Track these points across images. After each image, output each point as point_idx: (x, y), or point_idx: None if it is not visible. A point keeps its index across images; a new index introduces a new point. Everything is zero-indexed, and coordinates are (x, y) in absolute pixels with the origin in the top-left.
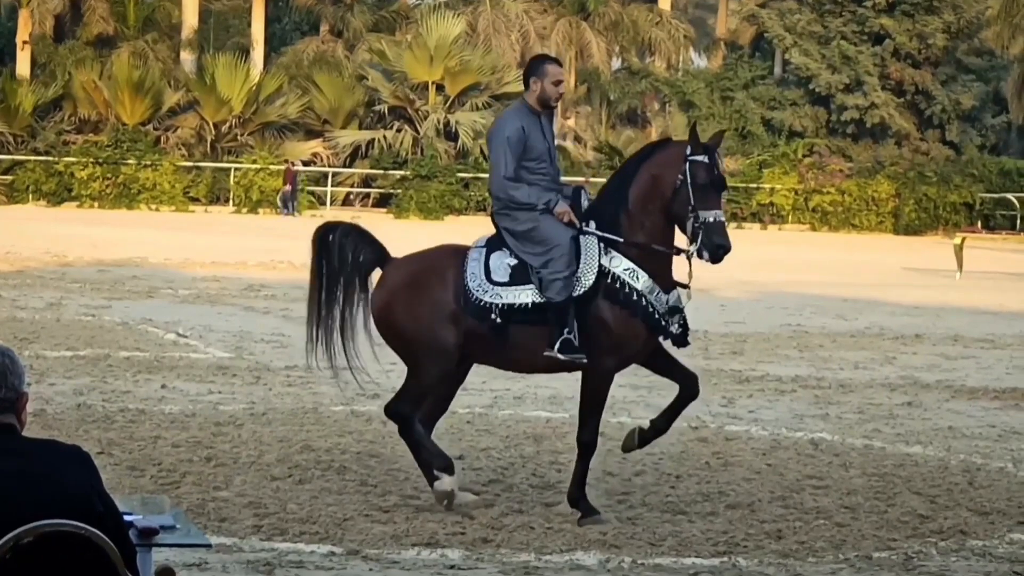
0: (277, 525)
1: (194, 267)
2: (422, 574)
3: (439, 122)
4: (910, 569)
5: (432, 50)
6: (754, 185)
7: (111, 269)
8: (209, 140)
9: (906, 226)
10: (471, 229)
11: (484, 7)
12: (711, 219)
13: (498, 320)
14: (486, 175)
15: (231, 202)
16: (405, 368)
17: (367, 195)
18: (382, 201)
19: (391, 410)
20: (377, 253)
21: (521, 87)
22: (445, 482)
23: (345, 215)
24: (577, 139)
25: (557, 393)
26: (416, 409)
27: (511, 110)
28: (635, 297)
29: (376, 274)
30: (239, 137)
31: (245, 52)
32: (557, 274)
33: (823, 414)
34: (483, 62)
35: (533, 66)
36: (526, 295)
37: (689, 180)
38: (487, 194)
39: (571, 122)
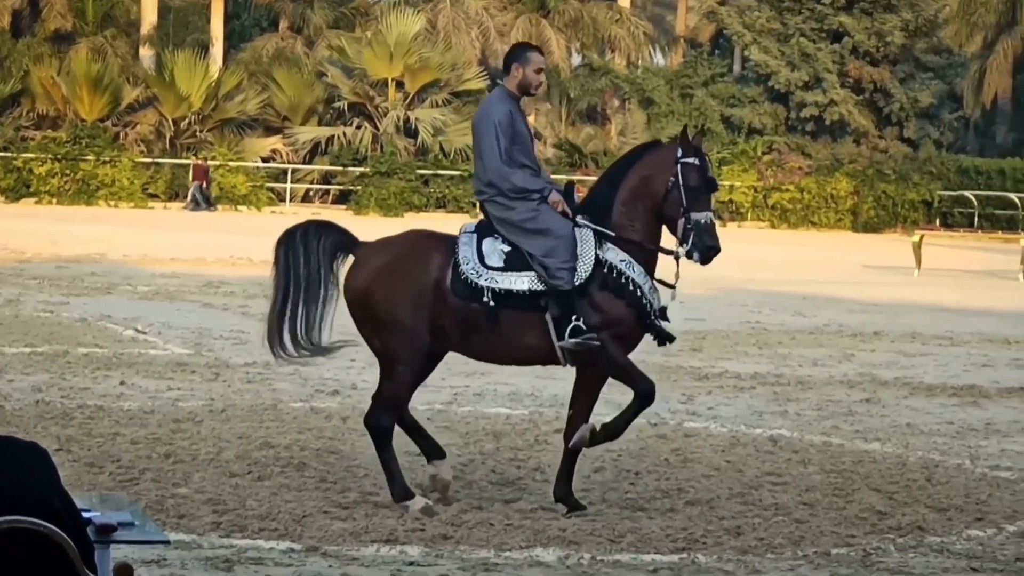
0: (236, 522)
1: (153, 263)
2: (381, 571)
3: (399, 119)
4: (868, 565)
5: (392, 47)
6: None
7: (70, 265)
8: (168, 136)
9: (865, 223)
10: (431, 226)
11: (444, 4)
12: (702, 220)
13: (491, 303)
14: (445, 172)
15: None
16: (364, 365)
17: (326, 192)
18: (342, 198)
19: (370, 423)
20: (344, 237)
21: (481, 84)
22: (417, 503)
23: (305, 211)
24: (537, 136)
25: (517, 390)
26: (395, 415)
27: (494, 96)
28: (631, 287)
29: (347, 260)
30: (198, 133)
31: (204, 48)
32: (563, 263)
33: (782, 411)
34: (443, 59)
35: (516, 53)
36: (523, 281)
37: (681, 182)
38: (446, 191)
39: (531, 119)
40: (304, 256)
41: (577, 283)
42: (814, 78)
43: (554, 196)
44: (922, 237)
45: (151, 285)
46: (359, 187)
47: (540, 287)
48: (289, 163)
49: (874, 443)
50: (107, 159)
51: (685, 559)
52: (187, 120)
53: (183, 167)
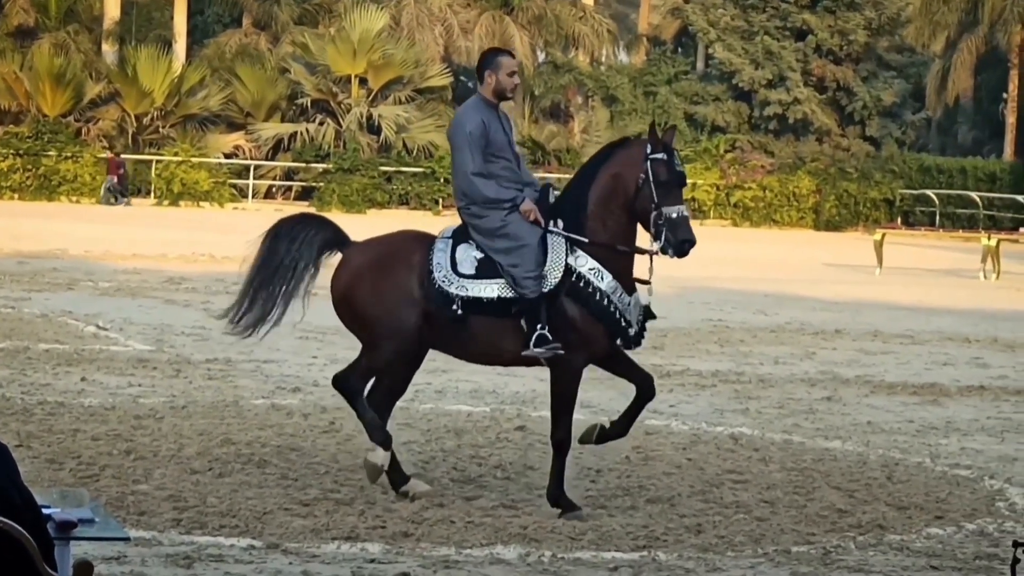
0: (196, 519)
1: (115, 259)
2: (342, 568)
3: (362, 116)
4: (828, 563)
5: (355, 44)
6: None
7: (31, 261)
8: (131, 132)
9: (827, 222)
10: (393, 223)
11: (408, 1)
12: (674, 215)
13: (459, 312)
14: (408, 168)
15: (152, 195)
16: (325, 363)
17: (289, 188)
18: (304, 194)
19: (340, 380)
20: (335, 235)
21: (444, 81)
22: (378, 455)
23: (267, 208)
24: None
25: (478, 387)
26: (365, 385)
27: (469, 105)
28: (598, 297)
29: (334, 257)
30: (161, 129)
31: (167, 44)
32: (528, 272)
33: (743, 409)
34: (406, 56)
35: (486, 60)
36: (492, 289)
37: (651, 178)
38: (409, 188)
39: None
40: (288, 243)
41: (545, 291)
42: (778, 76)
43: (526, 205)
44: (884, 235)
45: (112, 281)
46: (322, 184)
47: (510, 294)
48: (252, 159)
49: (835, 441)
50: (69, 154)
51: (646, 557)
52: (149, 116)
53: (145, 163)
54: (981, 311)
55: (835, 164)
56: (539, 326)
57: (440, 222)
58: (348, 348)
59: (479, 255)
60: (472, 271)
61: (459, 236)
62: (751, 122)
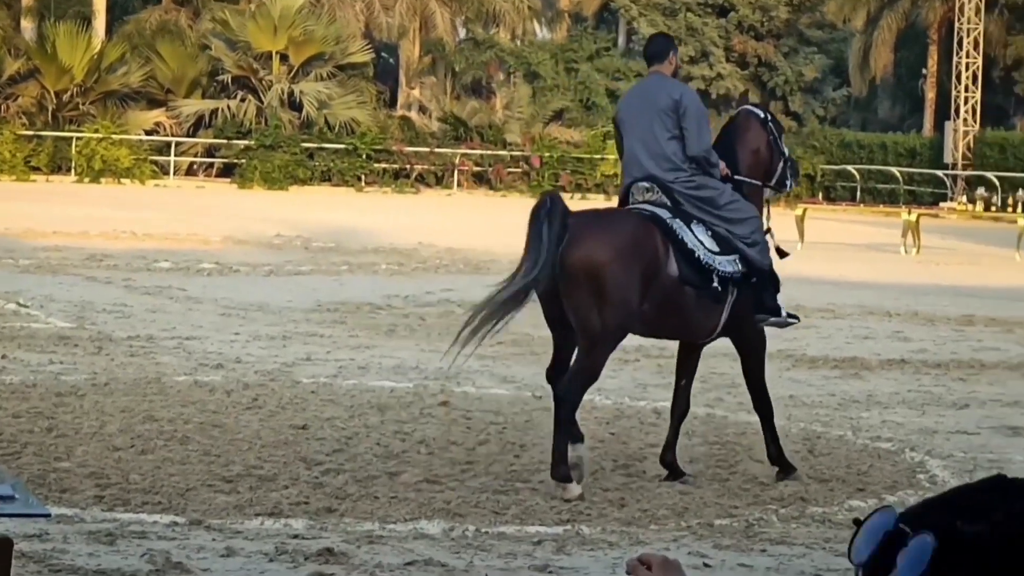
0: (119, 496)
1: (35, 236)
2: (265, 544)
3: (283, 92)
4: (751, 536)
5: (276, 20)
6: (598, 156)
7: None
8: (50, 109)
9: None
10: (316, 199)
11: None
12: (789, 154)
13: (719, 288)
14: (330, 145)
15: (73, 171)
16: (248, 339)
17: (211, 165)
18: (226, 171)
19: (562, 395)
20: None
21: (365, 57)
22: (572, 491)
23: (189, 185)
24: (422, 110)
25: (401, 363)
26: (586, 391)
27: (680, 82)
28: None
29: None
30: (81, 106)
31: (87, 20)
32: (760, 244)
33: (666, 383)
34: (327, 32)
35: (672, 42)
36: (733, 263)
37: (776, 134)
38: (331, 164)
39: (416, 92)
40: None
41: (768, 261)
42: (700, 52)
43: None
44: (805, 211)
45: (33, 258)
46: (243, 160)
47: (742, 268)
48: (173, 136)
49: (757, 415)
50: None
51: (569, 531)
52: (69, 92)
53: (65, 140)
54: (902, 285)
55: None
56: (775, 296)
57: (363, 199)
58: (270, 324)
59: (709, 231)
60: (716, 247)
61: (682, 215)
62: None
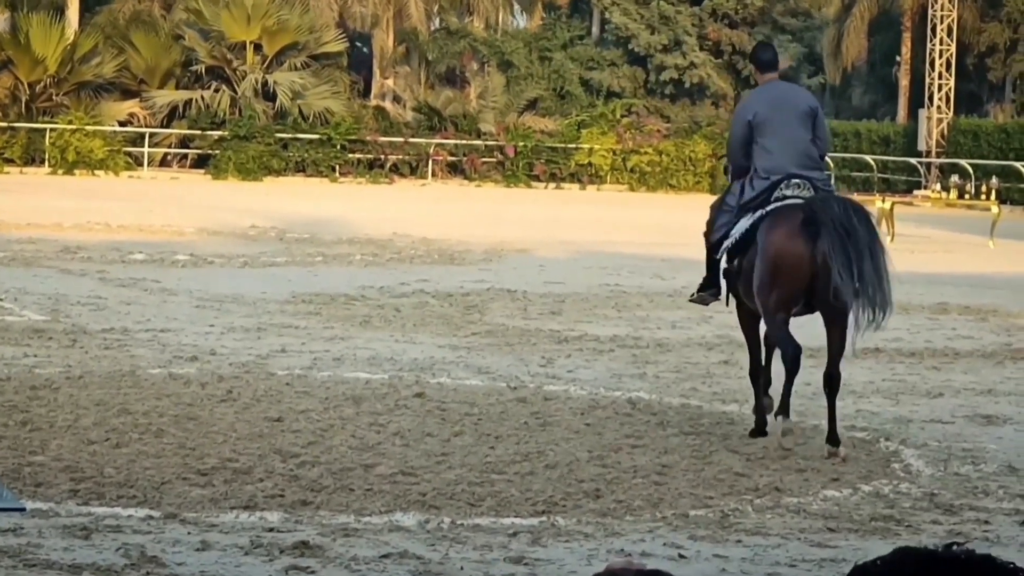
0: (94, 489)
1: (9, 229)
2: (241, 537)
3: (257, 82)
4: (726, 526)
5: (249, 9)
6: (572, 146)
7: None
8: (24, 100)
9: (723, 186)
10: (291, 189)
11: None
12: None
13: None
14: (304, 135)
15: (46, 163)
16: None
17: (185, 156)
18: (200, 162)
19: (793, 356)
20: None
21: (339, 47)
22: (777, 428)
23: (163, 176)
24: (396, 99)
25: (376, 354)
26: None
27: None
28: None
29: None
30: (54, 97)
31: (59, 11)
32: None
33: (641, 373)
34: (301, 22)
35: (775, 51)
36: None
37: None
38: (305, 154)
39: (390, 82)
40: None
41: None
42: (673, 41)
43: None
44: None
45: (7, 251)
46: (218, 151)
47: None
48: (147, 127)
49: (732, 405)
50: None
51: (544, 522)
52: (43, 83)
53: (39, 131)
54: None
55: (731, 128)
56: None
57: (337, 189)
58: (245, 316)
59: None
60: None
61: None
62: (647, 87)
